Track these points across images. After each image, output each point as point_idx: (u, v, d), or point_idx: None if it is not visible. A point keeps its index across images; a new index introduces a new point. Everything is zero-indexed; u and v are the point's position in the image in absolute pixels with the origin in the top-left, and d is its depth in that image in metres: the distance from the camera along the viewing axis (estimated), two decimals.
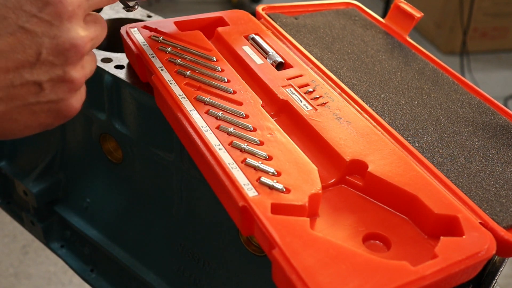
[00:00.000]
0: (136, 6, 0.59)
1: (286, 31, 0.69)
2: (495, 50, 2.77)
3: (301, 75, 0.61)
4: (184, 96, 0.54)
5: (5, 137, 0.46)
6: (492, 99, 0.64)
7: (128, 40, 0.61)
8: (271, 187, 0.46)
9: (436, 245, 0.44)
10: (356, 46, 0.69)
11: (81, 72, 0.46)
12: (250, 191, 0.45)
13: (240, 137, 0.50)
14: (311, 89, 0.59)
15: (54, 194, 0.78)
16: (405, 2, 0.74)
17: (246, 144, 0.50)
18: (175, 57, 0.59)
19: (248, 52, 0.63)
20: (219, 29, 0.66)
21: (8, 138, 0.46)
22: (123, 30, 0.62)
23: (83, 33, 0.45)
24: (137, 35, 0.62)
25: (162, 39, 0.61)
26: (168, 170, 0.64)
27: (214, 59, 0.60)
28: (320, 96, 0.58)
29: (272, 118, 0.54)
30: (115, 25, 0.72)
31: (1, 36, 0.41)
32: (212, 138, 0.50)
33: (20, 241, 1.69)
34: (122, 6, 0.58)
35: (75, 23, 0.45)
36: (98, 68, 0.64)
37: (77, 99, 0.47)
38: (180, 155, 0.61)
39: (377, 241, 0.47)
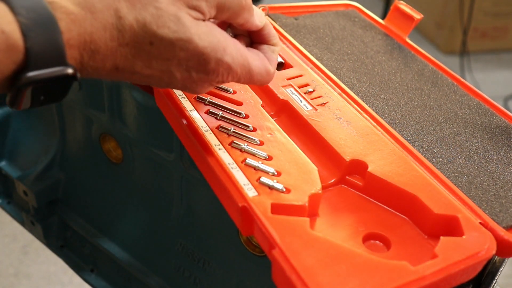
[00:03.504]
0: None
1: (286, 32, 0.69)
2: (495, 50, 2.77)
3: (301, 75, 0.61)
4: (184, 96, 0.54)
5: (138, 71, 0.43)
6: (491, 101, 0.64)
7: None
8: (271, 187, 0.46)
9: (436, 245, 0.44)
10: (355, 47, 0.69)
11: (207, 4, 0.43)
12: (250, 191, 0.45)
13: (240, 137, 0.50)
14: (311, 89, 0.59)
15: (54, 194, 0.78)
16: (405, 3, 0.74)
17: (246, 144, 0.50)
18: None
19: None
20: None
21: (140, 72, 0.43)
22: None
23: None
24: None
25: None
26: (168, 170, 0.64)
27: None
28: (320, 96, 0.58)
29: (272, 118, 0.54)
30: None
31: None
32: (212, 138, 0.50)
33: (20, 241, 1.69)
34: None
35: None
36: None
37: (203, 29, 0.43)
38: (180, 155, 0.61)
39: (377, 241, 0.47)
